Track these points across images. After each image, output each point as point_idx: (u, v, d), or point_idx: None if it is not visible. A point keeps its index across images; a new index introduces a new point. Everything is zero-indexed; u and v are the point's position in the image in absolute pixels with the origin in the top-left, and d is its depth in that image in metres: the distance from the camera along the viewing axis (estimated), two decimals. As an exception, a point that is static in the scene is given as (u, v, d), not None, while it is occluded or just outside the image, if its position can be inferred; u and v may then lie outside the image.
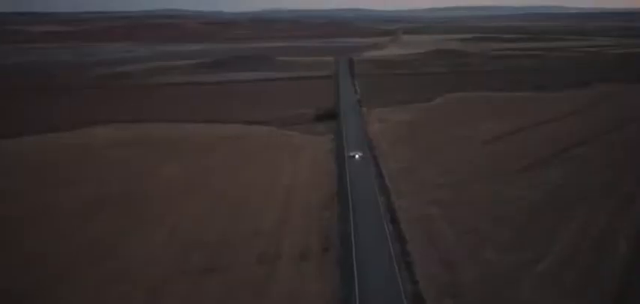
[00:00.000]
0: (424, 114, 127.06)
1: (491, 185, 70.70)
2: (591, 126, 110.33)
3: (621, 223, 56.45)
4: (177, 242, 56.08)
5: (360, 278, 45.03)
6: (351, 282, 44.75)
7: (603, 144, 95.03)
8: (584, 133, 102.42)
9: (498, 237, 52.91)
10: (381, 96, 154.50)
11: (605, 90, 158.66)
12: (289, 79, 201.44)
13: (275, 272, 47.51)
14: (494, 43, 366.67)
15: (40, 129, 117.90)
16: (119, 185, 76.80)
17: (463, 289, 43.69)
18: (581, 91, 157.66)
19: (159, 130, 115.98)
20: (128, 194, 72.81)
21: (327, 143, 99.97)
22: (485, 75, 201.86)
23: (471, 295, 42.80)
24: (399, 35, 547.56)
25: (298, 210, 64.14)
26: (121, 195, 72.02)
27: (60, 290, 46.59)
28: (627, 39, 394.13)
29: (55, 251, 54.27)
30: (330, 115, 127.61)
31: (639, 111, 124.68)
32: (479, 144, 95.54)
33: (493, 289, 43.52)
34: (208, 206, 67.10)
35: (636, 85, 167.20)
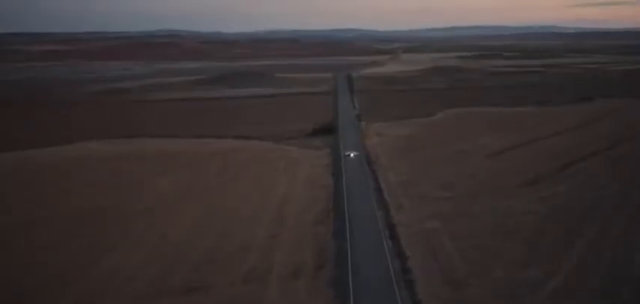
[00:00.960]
0: (424, 129, 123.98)
1: (496, 199, 67.19)
2: (596, 140, 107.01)
3: (636, 237, 52.90)
4: (160, 258, 52.37)
5: (356, 299, 41.37)
6: (346, 303, 41.12)
7: (609, 158, 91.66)
8: (588, 147, 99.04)
9: (507, 253, 49.30)
10: (380, 111, 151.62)
11: (608, 106, 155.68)
12: (287, 95, 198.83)
13: (263, 292, 43.70)
14: (492, 61, 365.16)
15: (33, 143, 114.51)
16: (107, 199, 73.36)
17: (469, 309, 40.06)
18: (584, 106, 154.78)
19: (152, 145, 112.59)
20: (116, 207, 69.34)
21: (324, 157, 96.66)
22: (484, 90, 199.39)
23: (478, 315, 39.16)
24: (399, 54, 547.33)
25: (291, 225, 60.57)
26: (108, 209, 68.56)
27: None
28: (627, 56, 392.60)
29: (33, 265, 50.58)
30: (328, 130, 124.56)
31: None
32: (481, 158, 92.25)
33: (502, 309, 39.88)
34: (196, 220, 63.55)
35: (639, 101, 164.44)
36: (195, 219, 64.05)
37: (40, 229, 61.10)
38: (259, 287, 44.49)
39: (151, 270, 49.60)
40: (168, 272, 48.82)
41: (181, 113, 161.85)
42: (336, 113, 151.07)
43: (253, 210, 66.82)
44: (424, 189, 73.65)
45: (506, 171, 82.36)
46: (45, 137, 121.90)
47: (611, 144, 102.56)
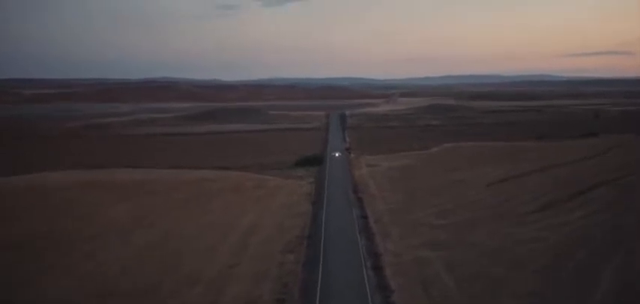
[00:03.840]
0: (418, 161, 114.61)
1: (501, 227, 57.15)
2: (604, 170, 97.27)
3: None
4: (90, 286, 42.39)
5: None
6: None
7: (622, 187, 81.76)
8: (598, 177, 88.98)
9: (518, 285, 39.16)
10: (372, 145, 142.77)
11: (614, 140, 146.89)
12: (277, 130, 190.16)
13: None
14: (488, 101, 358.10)
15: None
16: (52, 224, 63.47)
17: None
18: (588, 140, 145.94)
19: (120, 174, 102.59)
20: (59, 233, 59.50)
21: (306, 186, 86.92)
22: (482, 127, 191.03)
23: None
24: (395, 97, 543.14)
25: (254, 254, 50.36)
26: (51, 235, 58.70)
27: None
28: (625, 99, 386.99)
29: None
30: (315, 161, 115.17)
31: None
32: (481, 186, 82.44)
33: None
34: (144, 248, 53.39)
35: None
36: (143, 247, 53.93)
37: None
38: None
39: (75, 298, 39.74)
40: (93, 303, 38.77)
41: (161, 147, 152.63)
42: (326, 146, 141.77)
43: (214, 238, 56.74)
44: (416, 216, 63.72)
45: (510, 199, 72.48)
46: (7, 167, 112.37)
47: (622, 174, 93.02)
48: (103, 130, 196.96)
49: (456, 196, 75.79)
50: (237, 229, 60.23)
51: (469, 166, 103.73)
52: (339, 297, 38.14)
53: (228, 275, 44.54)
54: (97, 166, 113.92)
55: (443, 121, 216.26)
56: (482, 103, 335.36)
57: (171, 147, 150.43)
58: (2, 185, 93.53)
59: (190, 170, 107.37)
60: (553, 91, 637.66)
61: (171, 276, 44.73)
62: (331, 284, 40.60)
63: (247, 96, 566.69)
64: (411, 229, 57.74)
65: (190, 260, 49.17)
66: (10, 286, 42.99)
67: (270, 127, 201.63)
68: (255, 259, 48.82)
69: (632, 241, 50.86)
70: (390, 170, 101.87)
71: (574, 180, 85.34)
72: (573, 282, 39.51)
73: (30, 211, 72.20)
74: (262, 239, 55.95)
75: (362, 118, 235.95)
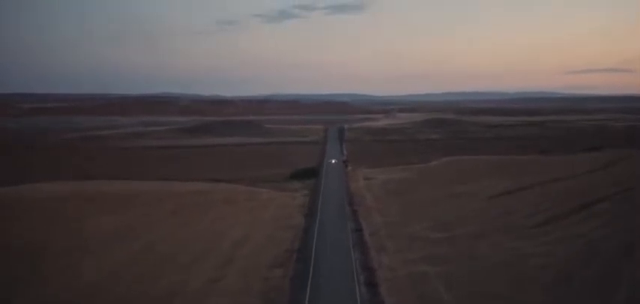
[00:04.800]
0: (417, 174, 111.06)
1: (504, 240, 53.56)
2: (610, 183, 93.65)
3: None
4: (62, 299, 39.10)
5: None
6: None
7: (630, 201, 78.27)
8: (604, 190, 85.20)
9: (526, 301, 35.58)
10: (370, 158, 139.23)
11: (619, 154, 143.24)
12: (275, 143, 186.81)
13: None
14: (490, 116, 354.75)
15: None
16: (31, 236, 59.79)
17: None
18: (593, 154, 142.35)
19: (109, 186, 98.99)
20: (36, 245, 55.79)
21: (300, 198, 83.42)
22: (483, 141, 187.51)
23: None
24: (394, 112, 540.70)
25: (240, 268, 46.83)
26: (27, 246, 55.02)
27: None
28: (627, 114, 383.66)
29: None
30: (310, 174, 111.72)
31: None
32: (483, 199, 78.90)
33: None
34: (125, 260, 49.87)
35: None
36: (124, 259, 50.37)
37: None
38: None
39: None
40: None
41: (155, 159, 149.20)
42: (322, 159, 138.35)
43: (199, 250, 53.20)
44: (414, 229, 60.18)
45: (514, 212, 68.87)
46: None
47: (630, 187, 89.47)
48: (98, 142, 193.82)
49: (456, 209, 72.29)
50: (225, 242, 56.70)
51: (470, 179, 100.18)
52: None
53: (210, 289, 41.01)
54: (87, 178, 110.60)
55: (443, 135, 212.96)
56: (483, 118, 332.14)
57: (165, 160, 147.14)
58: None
59: (182, 182, 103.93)
60: (555, 107, 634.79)
61: (150, 289, 41.26)
62: (321, 300, 37.06)
63: (247, 111, 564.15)
64: (409, 243, 54.22)
65: (171, 274, 45.67)
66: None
67: (267, 141, 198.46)
68: (240, 273, 45.31)
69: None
70: (388, 183, 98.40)
71: (579, 194, 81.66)
72: (586, 300, 35.93)
73: (10, 222, 68.65)
74: (250, 252, 52.44)
75: (360, 132, 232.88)
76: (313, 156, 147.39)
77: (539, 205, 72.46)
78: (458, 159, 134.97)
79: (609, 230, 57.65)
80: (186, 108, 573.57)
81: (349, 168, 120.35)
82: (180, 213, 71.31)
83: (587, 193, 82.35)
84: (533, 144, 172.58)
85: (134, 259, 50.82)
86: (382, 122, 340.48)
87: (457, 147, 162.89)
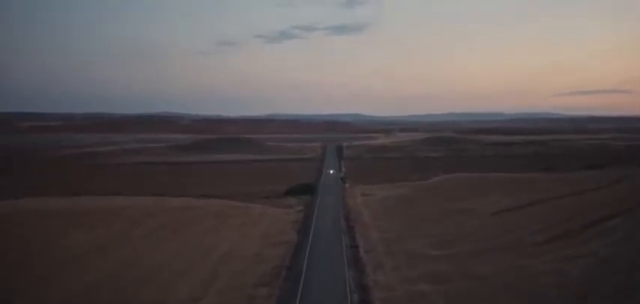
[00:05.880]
0: (417, 190, 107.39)
1: (511, 258, 49.81)
2: (617, 200, 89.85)
3: None
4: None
5: None
6: None
7: (638, 218, 74.71)
8: (612, 207, 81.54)
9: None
10: (369, 175, 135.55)
11: (622, 172, 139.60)
12: (272, 161, 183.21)
13: None
14: (491, 135, 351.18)
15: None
16: (1, 251, 56.12)
17: None
18: (596, 172, 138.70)
19: (93, 202, 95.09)
20: (4, 260, 52.23)
21: (294, 214, 79.69)
22: (484, 159, 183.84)
23: None
24: (395, 132, 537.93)
25: (224, 286, 43.11)
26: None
27: None
28: (627, 134, 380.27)
29: None
30: (306, 190, 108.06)
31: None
32: (486, 215, 75.22)
33: None
34: (99, 278, 46.06)
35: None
36: (96, 277, 46.56)
37: None
38: None
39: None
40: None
41: (149, 175, 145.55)
42: (320, 175, 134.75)
43: (181, 267, 49.47)
44: (413, 246, 56.45)
45: (519, 228, 65.16)
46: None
47: (635, 204, 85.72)
48: (94, 158, 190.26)
49: (457, 226, 68.58)
50: (209, 258, 52.98)
51: (471, 196, 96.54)
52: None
53: (185, 311, 37.23)
54: (75, 194, 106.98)
55: (442, 153, 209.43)
56: (484, 137, 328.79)
57: (160, 176, 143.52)
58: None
59: (173, 198, 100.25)
60: (554, 127, 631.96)
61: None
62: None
63: (246, 130, 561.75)
64: (407, 260, 50.46)
65: (147, 292, 41.98)
66: None
67: (264, 158, 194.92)
68: (222, 291, 41.62)
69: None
70: (386, 199, 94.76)
71: (586, 210, 77.92)
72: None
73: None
74: (235, 269, 48.67)
75: (360, 149, 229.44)
76: (312, 173, 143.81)
77: (545, 222, 68.78)
78: (458, 176, 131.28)
79: (621, 248, 53.89)
80: (186, 127, 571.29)
81: (347, 184, 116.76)
82: (165, 228, 67.61)
83: (594, 210, 78.53)
84: (533, 162, 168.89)
85: (109, 276, 47.07)
86: (381, 140, 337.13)
87: (457, 165, 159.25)
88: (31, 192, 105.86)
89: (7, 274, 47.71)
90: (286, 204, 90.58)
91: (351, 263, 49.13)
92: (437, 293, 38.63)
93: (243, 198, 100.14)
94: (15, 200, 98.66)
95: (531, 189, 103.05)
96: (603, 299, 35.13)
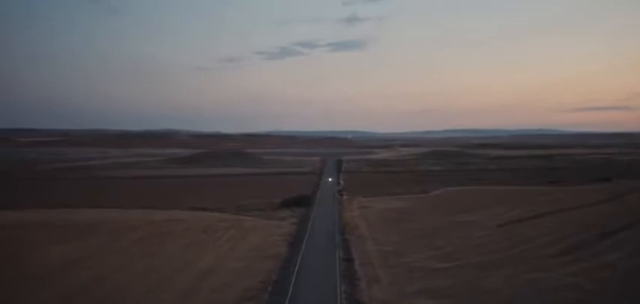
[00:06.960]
0: (417, 203, 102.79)
1: (521, 272, 45.19)
2: (627, 212, 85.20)
3: None
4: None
5: None
6: None
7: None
8: (624, 218, 77.10)
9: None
10: (367, 188, 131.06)
11: (630, 185, 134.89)
12: (269, 174, 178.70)
13: None
14: (493, 150, 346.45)
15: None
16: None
17: None
18: (603, 185, 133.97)
19: (80, 214, 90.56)
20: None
21: (286, 226, 75.07)
22: (488, 172, 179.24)
23: None
24: (396, 147, 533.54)
25: (204, 301, 38.52)
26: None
27: None
28: (631, 148, 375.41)
29: None
30: (302, 202, 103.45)
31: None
32: (492, 227, 70.55)
33: None
34: (68, 294, 41.56)
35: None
36: (66, 292, 42.04)
37: None
38: None
39: None
40: None
41: (140, 188, 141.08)
42: (317, 188, 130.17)
43: (160, 282, 44.89)
44: (412, 259, 51.85)
45: (528, 240, 60.51)
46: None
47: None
48: (85, 172, 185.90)
49: (461, 237, 63.99)
50: (191, 272, 48.37)
51: (476, 208, 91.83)
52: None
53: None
54: (60, 206, 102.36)
55: (444, 167, 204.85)
56: (487, 151, 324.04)
57: (152, 189, 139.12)
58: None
59: (162, 210, 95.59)
60: (556, 142, 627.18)
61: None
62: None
63: (246, 145, 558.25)
64: (406, 274, 45.86)
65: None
66: None
67: (261, 171, 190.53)
68: (198, 309, 36.95)
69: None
70: (385, 211, 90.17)
71: (597, 222, 73.17)
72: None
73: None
74: (218, 284, 44.06)
75: (360, 163, 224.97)
76: (309, 186, 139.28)
77: (554, 234, 64.06)
78: (461, 189, 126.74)
79: (637, 260, 49.24)
80: (184, 143, 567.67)
81: (345, 196, 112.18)
82: (147, 241, 62.91)
83: (605, 222, 73.79)
84: (541, 175, 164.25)
85: (80, 292, 42.52)
86: (382, 154, 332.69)
87: (459, 178, 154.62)
88: (8, 205, 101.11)
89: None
90: (279, 217, 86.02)
91: (345, 277, 44.53)
92: (440, 310, 33.99)
93: (234, 211, 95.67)
94: (19, 211, 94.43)
95: (539, 202, 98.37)
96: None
